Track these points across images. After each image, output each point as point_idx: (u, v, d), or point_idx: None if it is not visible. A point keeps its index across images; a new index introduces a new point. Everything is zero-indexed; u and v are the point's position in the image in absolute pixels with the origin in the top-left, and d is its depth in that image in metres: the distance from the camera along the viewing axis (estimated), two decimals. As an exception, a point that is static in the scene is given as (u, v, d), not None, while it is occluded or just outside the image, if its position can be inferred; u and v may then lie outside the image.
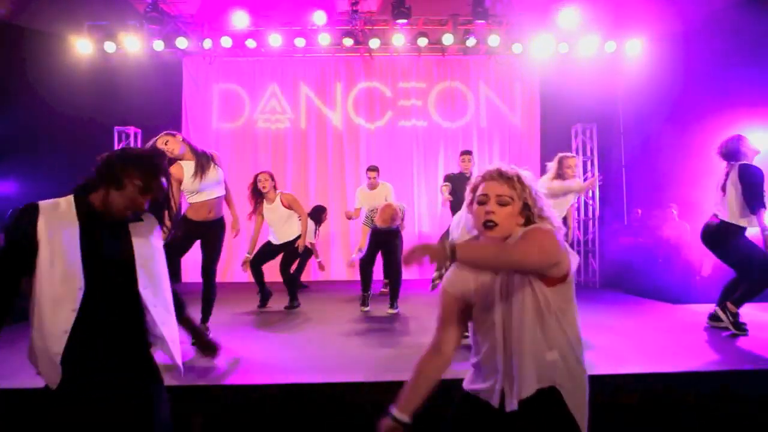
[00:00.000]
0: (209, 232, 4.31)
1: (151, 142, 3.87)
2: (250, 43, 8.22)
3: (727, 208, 4.19)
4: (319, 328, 4.83)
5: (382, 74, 9.12)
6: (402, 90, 9.13)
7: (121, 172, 1.82)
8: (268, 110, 9.08)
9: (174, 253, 4.23)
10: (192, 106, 8.99)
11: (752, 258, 4.10)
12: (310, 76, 9.10)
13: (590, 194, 8.64)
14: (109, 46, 8.01)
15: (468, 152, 6.67)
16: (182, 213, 4.42)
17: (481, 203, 1.77)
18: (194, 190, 4.21)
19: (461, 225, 3.50)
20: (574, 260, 1.73)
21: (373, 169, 6.78)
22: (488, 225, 1.74)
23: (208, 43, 8.15)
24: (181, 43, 8.08)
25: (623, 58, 8.38)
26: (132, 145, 8.41)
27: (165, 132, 4.08)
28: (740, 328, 4.15)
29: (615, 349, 3.84)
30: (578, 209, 8.69)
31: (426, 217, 9.09)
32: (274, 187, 5.75)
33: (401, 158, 9.06)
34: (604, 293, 7.42)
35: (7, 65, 7.49)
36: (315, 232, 6.85)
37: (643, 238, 8.06)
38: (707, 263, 6.88)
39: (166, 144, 3.99)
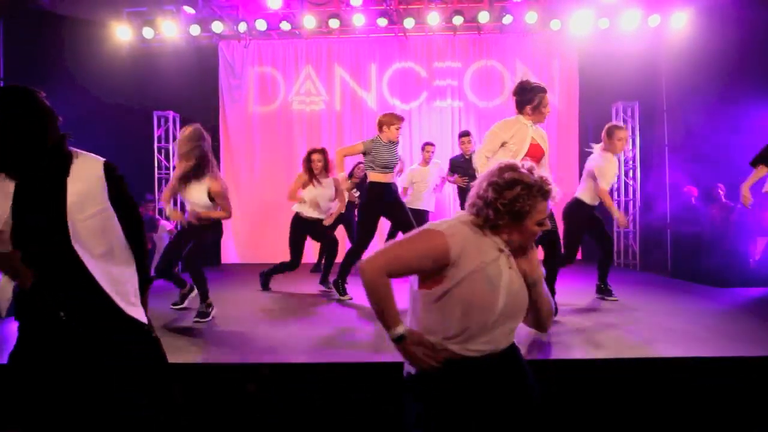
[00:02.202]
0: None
1: None
2: (285, 26, 8.23)
3: None
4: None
5: (417, 54, 9.01)
6: (437, 70, 9.02)
7: None
8: (303, 92, 9.10)
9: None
10: (228, 89, 9.09)
11: None
12: (344, 57, 9.07)
13: (631, 174, 8.42)
14: (148, 32, 8.13)
15: (467, 133, 6.76)
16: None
17: (540, 224, 1.84)
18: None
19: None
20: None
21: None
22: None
23: (243, 27, 8.21)
24: (217, 27, 8.15)
25: (667, 32, 8.06)
26: (171, 128, 8.57)
27: None
28: None
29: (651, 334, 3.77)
30: (617, 190, 8.49)
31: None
32: (327, 168, 5.70)
33: (437, 139, 8.96)
34: (645, 276, 7.26)
35: (49, 54, 7.69)
36: None
37: (688, 220, 7.81)
38: (760, 245, 6.63)
39: None
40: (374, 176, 5.15)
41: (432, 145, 7.22)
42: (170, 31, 8.11)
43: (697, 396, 3.06)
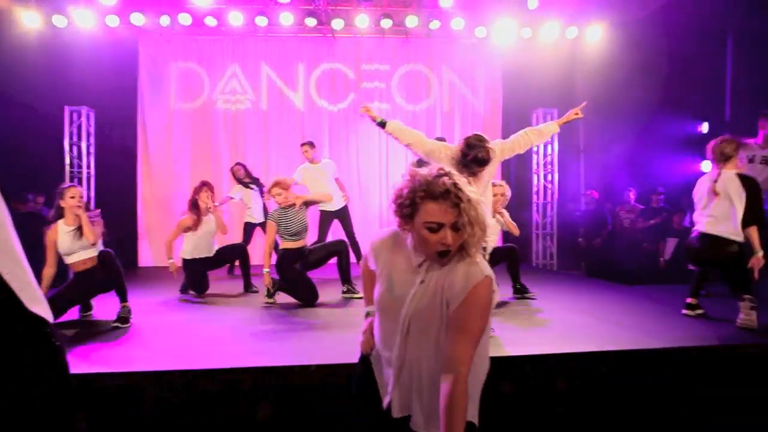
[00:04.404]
0: None
1: None
2: (210, 21, 7.99)
3: None
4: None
5: (345, 56, 9.00)
6: (365, 72, 9.05)
7: None
8: (228, 91, 8.86)
9: None
10: (148, 85, 8.69)
11: None
12: (271, 56, 8.92)
13: (549, 177, 8.79)
14: (59, 20, 7.65)
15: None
16: None
17: (431, 230, 1.67)
18: None
19: None
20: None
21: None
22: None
23: (165, 20, 7.90)
24: (137, 19, 7.79)
25: (583, 44, 8.51)
26: (84, 125, 8.09)
27: None
28: None
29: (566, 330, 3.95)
30: (537, 192, 8.85)
31: (386, 202, 9.06)
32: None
33: (364, 140, 9.01)
34: (562, 276, 7.60)
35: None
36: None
37: (601, 221, 8.28)
38: (669, 246, 7.10)
39: None
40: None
41: (305, 144, 6.93)
42: (85, 20, 7.67)
43: (611, 388, 3.23)
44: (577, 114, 4.33)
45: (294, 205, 5.16)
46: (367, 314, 2.09)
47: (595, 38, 8.30)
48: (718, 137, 4.19)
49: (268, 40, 8.83)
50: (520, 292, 5.27)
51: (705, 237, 4.09)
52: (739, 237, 3.92)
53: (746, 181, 3.95)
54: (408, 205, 1.67)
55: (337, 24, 8.12)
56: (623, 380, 3.26)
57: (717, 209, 4.01)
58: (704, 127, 8.39)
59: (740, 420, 3.27)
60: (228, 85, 8.87)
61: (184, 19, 7.86)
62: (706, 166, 7.24)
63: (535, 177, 8.90)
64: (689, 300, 4.43)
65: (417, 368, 1.78)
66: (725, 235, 3.96)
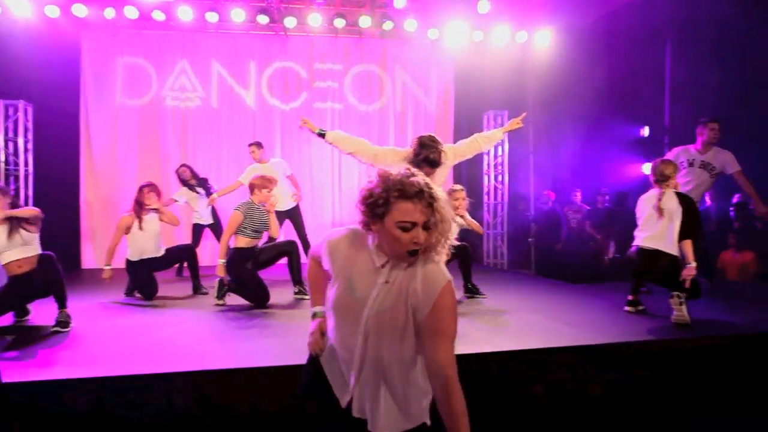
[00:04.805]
0: None
1: None
2: (158, 16, 7.76)
3: None
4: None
5: (298, 54, 8.92)
6: (318, 71, 8.99)
7: None
8: (178, 87, 8.63)
9: None
10: (92, 80, 8.36)
11: None
12: (222, 53, 8.73)
13: (499, 178, 8.97)
14: (-6, 10, 7.27)
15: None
16: None
17: (404, 229, 1.68)
18: None
19: None
20: None
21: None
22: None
23: (110, 13, 7.61)
24: (79, 10, 7.49)
25: (533, 49, 8.71)
26: (21, 120, 7.72)
27: None
28: None
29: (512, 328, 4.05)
30: (488, 193, 9.01)
31: (345, 203, 9.06)
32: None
33: (317, 140, 8.91)
34: (512, 275, 7.77)
35: None
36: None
37: (555, 222, 8.51)
38: (613, 245, 7.36)
39: None
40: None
41: (252, 144, 6.95)
42: (21, 9, 7.30)
43: (559, 384, 3.33)
44: (518, 123, 4.70)
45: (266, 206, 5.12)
46: (315, 315, 2.06)
47: (544, 43, 8.51)
48: (657, 159, 4.60)
49: (219, 36, 8.66)
50: (471, 292, 5.35)
51: (643, 251, 4.39)
52: (674, 250, 4.24)
53: (684, 199, 4.30)
54: (381, 205, 1.68)
55: (290, 22, 8.04)
56: (570, 376, 3.37)
57: (657, 226, 4.31)
58: (645, 131, 8.75)
59: (677, 409, 3.43)
60: (177, 82, 8.64)
61: (130, 12, 7.60)
62: (647, 168, 7.55)
63: (486, 178, 9.06)
64: (630, 297, 4.64)
65: (379, 368, 1.79)
66: (662, 248, 4.27)
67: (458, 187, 5.51)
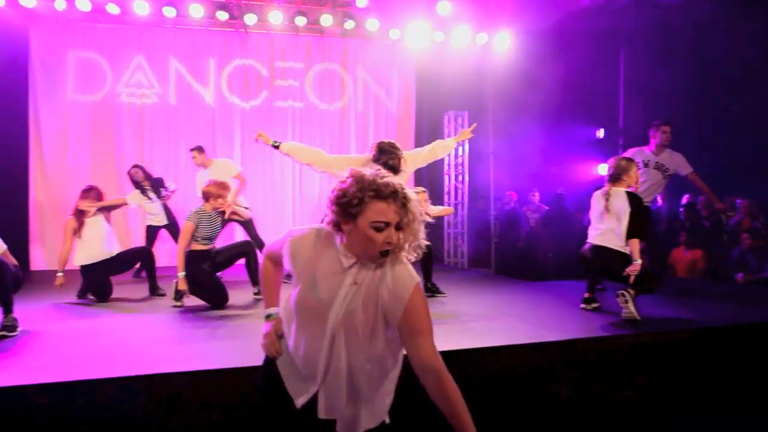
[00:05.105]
0: None
1: None
2: (113, 9, 7.53)
3: None
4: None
5: (258, 52, 8.81)
6: (279, 69, 8.89)
7: None
8: (133, 83, 8.39)
9: None
10: (41, 74, 8.04)
11: None
12: (180, 49, 8.55)
13: (460, 178, 9.06)
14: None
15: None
16: None
17: (378, 229, 1.70)
18: None
19: None
20: None
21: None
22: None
23: (60, 4, 7.32)
24: (27, 1, 7.19)
25: (492, 50, 8.84)
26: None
27: None
28: None
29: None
30: (448, 193, 9.10)
31: (306, 201, 9.00)
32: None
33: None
34: (471, 273, 7.87)
35: None
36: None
37: (511, 221, 8.66)
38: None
39: None
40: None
41: (193, 150, 6.89)
42: (-34, 1, 6.99)
43: (517, 380, 3.38)
44: (469, 134, 5.20)
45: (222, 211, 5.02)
46: (269, 317, 2.00)
47: (504, 45, 8.63)
48: (614, 157, 4.72)
49: (177, 32, 8.46)
50: (431, 291, 5.40)
51: (595, 248, 4.51)
52: (622, 248, 4.35)
53: (633, 198, 4.40)
54: (356, 205, 1.69)
55: (250, 19, 7.93)
56: (526, 372, 3.43)
57: (607, 224, 4.44)
58: (600, 133, 9.00)
59: (637, 405, 3.55)
60: (133, 78, 8.40)
61: (83, 4, 7.34)
62: (603, 169, 7.77)
63: (446, 178, 9.14)
64: (586, 295, 4.76)
65: (346, 369, 1.79)
66: (611, 246, 4.39)
67: (420, 189, 5.67)
